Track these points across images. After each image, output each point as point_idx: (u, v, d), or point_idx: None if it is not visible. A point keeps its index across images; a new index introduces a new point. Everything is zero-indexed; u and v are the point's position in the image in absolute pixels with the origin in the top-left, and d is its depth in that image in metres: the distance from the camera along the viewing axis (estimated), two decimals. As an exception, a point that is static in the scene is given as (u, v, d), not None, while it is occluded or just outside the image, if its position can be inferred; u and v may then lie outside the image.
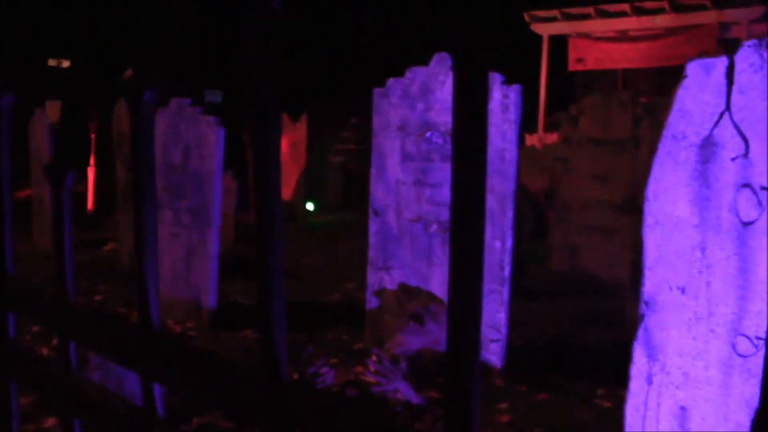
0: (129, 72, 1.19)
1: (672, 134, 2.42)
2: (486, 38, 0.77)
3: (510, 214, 3.90)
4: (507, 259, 3.91)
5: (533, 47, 10.70)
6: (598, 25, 9.99)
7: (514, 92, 3.87)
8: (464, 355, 0.81)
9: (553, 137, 9.78)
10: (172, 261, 4.83)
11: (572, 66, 10.50)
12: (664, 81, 10.73)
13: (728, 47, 9.68)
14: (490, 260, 3.94)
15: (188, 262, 4.74)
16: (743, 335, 2.43)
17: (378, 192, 4.31)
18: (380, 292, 4.31)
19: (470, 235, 0.79)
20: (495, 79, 3.92)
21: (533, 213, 6.47)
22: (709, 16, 9.28)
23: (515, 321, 4.18)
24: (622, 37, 9.91)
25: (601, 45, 10.06)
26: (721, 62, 2.35)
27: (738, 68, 2.34)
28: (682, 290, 2.45)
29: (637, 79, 10.96)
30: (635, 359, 2.57)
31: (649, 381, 2.55)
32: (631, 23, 9.70)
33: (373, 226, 4.33)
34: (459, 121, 0.77)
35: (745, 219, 2.38)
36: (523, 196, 5.89)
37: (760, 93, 2.32)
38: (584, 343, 4.57)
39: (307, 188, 8.74)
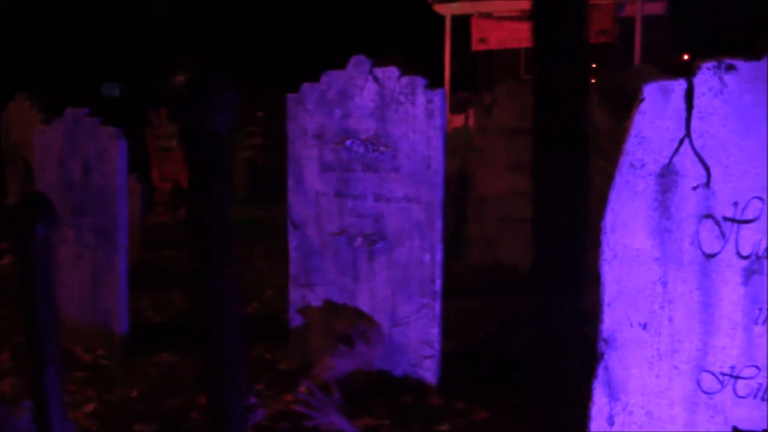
0: (14, 202, 0.87)
1: (629, 162, 2.21)
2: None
3: (439, 225, 3.65)
4: (437, 272, 3.67)
5: (436, 28, 10.48)
6: (499, 5, 9.83)
7: (438, 97, 3.61)
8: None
9: (459, 119, 9.62)
10: (78, 283, 4.38)
11: (475, 46, 10.33)
12: (564, 59, 10.70)
13: (623, 25, 9.71)
14: (420, 274, 3.70)
15: (95, 285, 4.31)
16: (708, 371, 2.27)
17: (297, 204, 3.99)
18: (304, 310, 4.01)
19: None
20: (417, 83, 3.65)
21: (452, 205, 6.27)
22: (605, -5, 9.27)
23: (443, 326, 3.95)
24: (524, 16, 9.78)
25: (503, 25, 9.93)
26: (680, 85, 2.15)
27: (697, 92, 2.14)
28: (644, 326, 2.26)
29: (538, 58, 10.88)
30: (595, 399, 2.38)
31: (611, 422, 2.36)
32: (531, 3, 9.48)
33: (293, 241, 4.01)
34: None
35: (708, 251, 2.20)
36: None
37: (720, 118, 2.13)
38: (515, 347, 4.40)
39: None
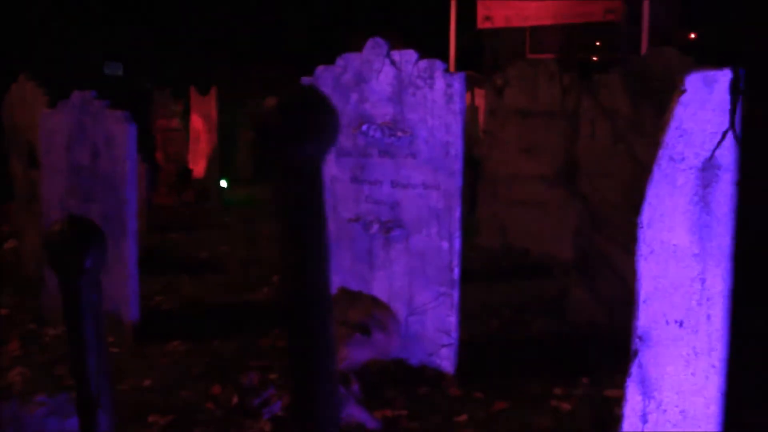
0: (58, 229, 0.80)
1: (669, 155, 2.14)
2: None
3: (457, 212, 3.59)
4: (456, 260, 3.61)
5: (442, 5, 10.34)
6: (505, -17, 9.73)
7: (458, 81, 3.53)
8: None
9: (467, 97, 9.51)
10: (85, 271, 4.32)
11: (481, 24, 10.20)
12: (571, 38, 10.61)
13: (632, 5, 9.58)
14: (438, 261, 3.64)
15: (104, 273, 4.23)
16: (747, 370, 2.21)
17: (311, 190, 3.91)
18: (319, 297, 3.95)
19: None
20: (437, 67, 3.57)
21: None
22: (614, -27, 9.15)
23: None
24: (530, -7, 9.70)
25: (509, 2, 9.81)
26: (724, 75, 2.07)
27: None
28: (680, 324, 2.21)
29: (544, 37, 10.79)
30: (628, 397, 2.33)
31: (644, 419, 2.32)
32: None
33: (307, 227, 3.94)
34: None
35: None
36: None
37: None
38: (530, 334, 4.35)
39: (221, 165, 8.20)
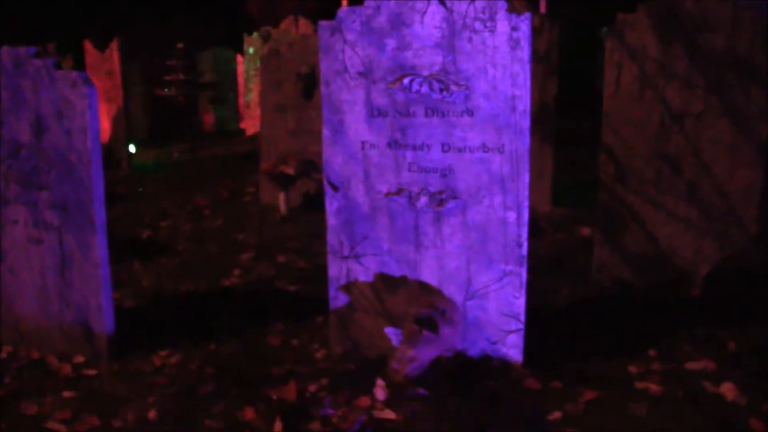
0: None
1: None
2: None
3: (525, 177, 2.92)
4: (524, 234, 2.95)
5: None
6: None
7: (525, 23, 2.81)
8: None
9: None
10: (39, 276, 3.29)
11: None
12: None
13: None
14: (503, 236, 2.97)
15: (64, 275, 3.23)
16: None
17: (335, 159, 3.09)
18: (350, 287, 3.17)
19: None
20: (498, 7, 2.82)
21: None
22: None
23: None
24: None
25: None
26: None
27: None
28: None
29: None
30: None
31: None
32: None
33: (332, 204, 3.13)
34: None
35: None
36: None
37: None
38: (563, 302, 3.80)
39: (127, 127, 6.95)
